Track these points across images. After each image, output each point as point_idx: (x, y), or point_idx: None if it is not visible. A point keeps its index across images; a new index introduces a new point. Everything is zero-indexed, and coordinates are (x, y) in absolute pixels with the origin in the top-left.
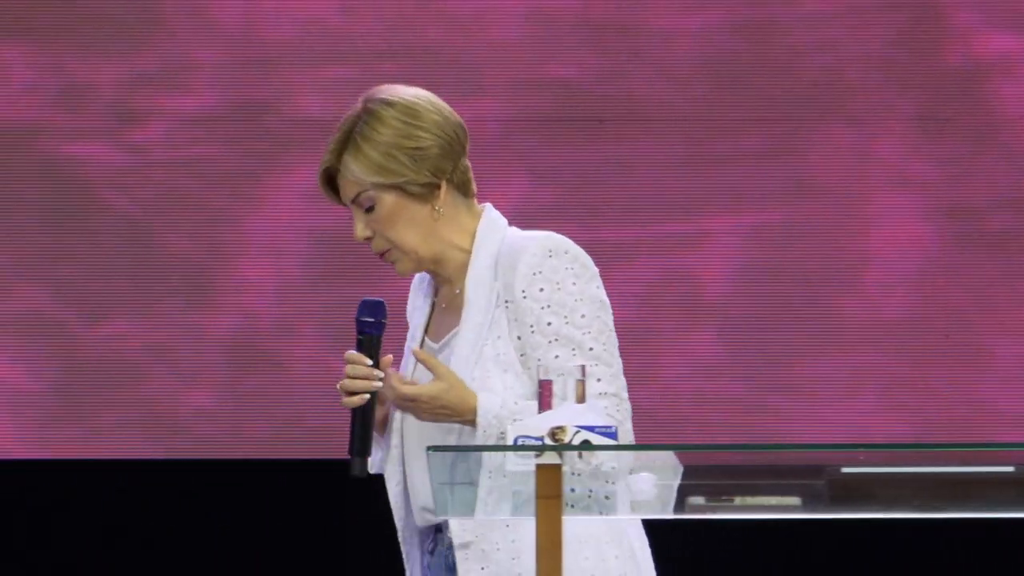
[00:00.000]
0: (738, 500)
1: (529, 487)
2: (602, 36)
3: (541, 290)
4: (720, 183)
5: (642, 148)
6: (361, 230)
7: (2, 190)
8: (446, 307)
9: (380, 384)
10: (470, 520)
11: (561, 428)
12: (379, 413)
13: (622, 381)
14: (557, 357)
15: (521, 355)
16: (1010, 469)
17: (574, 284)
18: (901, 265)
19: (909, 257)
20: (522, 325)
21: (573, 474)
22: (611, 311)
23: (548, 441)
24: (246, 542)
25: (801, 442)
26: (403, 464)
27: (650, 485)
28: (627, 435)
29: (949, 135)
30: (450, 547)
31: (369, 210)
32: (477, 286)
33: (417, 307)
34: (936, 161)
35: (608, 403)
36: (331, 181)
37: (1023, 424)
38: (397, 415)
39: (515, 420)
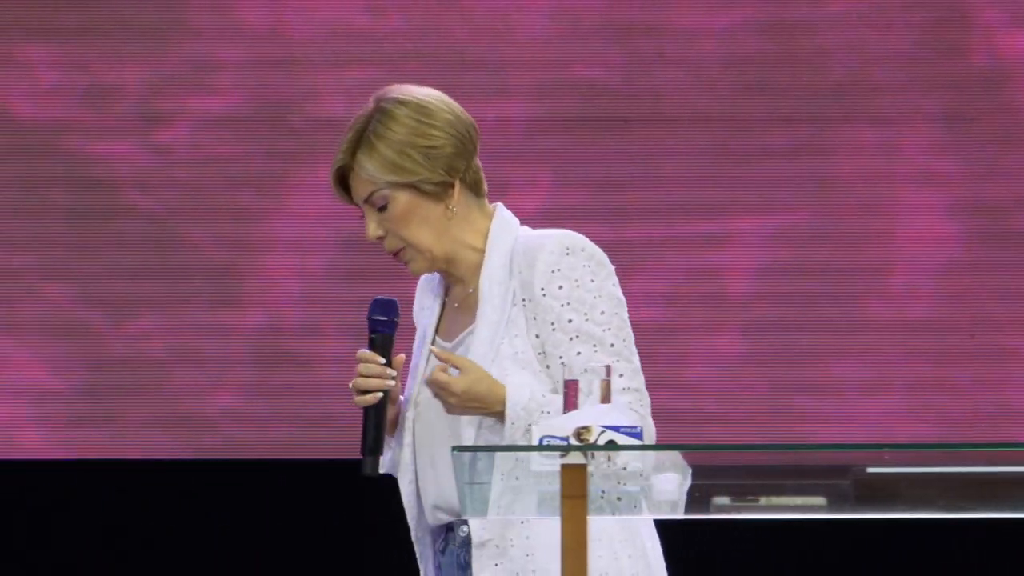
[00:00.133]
0: (763, 500)
1: (548, 486)
2: (627, 36)
3: (560, 287)
4: (745, 183)
5: (667, 148)
6: (373, 229)
7: (28, 190)
8: (459, 306)
9: (393, 383)
10: (490, 519)
11: (586, 428)
12: (390, 412)
13: (642, 376)
14: (579, 354)
15: (539, 353)
16: None
17: (592, 281)
18: (926, 265)
19: (934, 257)
20: (542, 323)
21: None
22: (626, 308)
23: (573, 441)
24: (272, 542)
25: (826, 442)
26: (415, 463)
27: (674, 485)
28: (649, 429)
29: (974, 135)
30: (462, 545)
31: (382, 209)
32: (492, 284)
33: (426, 307)
34: (961, 161)
35: (632, 398)
36: (344, 180)
37: None
38: (409, 414)
39: (543, 412)
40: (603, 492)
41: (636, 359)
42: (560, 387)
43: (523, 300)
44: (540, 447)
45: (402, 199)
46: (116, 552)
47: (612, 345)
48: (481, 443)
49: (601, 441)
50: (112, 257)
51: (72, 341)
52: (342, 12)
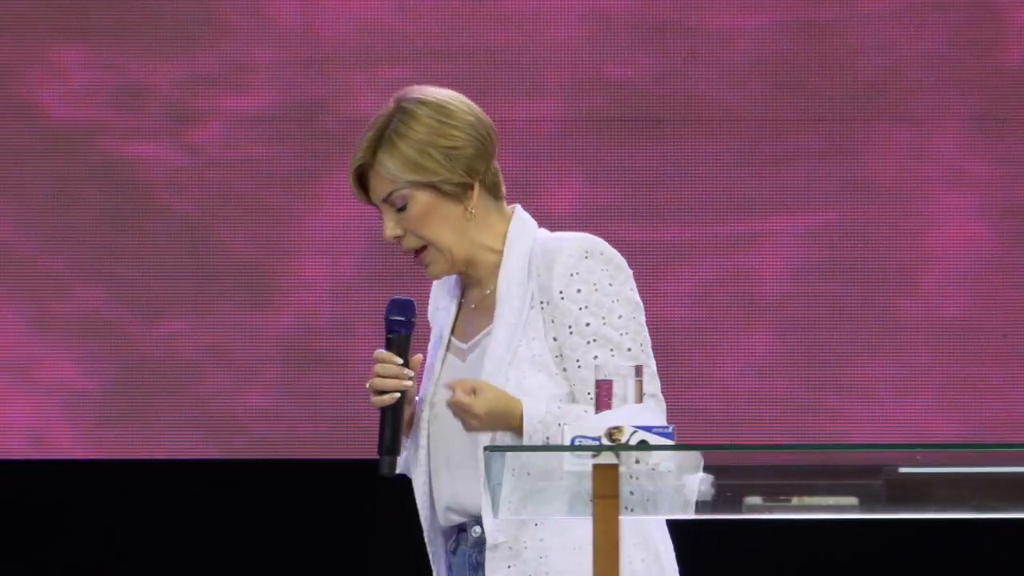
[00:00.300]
0: (795, 500)
1: (554, 485)
2: (659, 36)
3: (579, 291)
4: (777, 183)
5: (699, 148)
6: (391, 229)
7: (60, 190)
8: (476, 308)
9: (410, 383)
10: (504, 521)
11: (618, 428)
12: (406, 412)
13: (658, 381)
14: (596, 358)
15: (557, 356)
16: None
17: (610, 285)
18: (958, 265)
19: (966, 257)
20: (560, 326)
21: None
22: (644, 312)
23: (605, 441)
24: (302, 541)
25: (858, 442)
26: (429, 464)
27: (707, 485)
28: None
29: (1006, 135)
30: (474, 546)
31: (401, 209)
32: (510, 286)
33: (441, 307)
34: (993, 161)
35: (652, 403)
36: (362, 179)
37: None
38: (424, 415)
39: (560, 425)
40: (631, 492)
41: (653, 363)
42: (576, 390)
43: (541, 303)
44: (571, 447)
45: (422, 199)
46: (146, 551)
47: (629, 349)
48: (498, 444)
49: (633, 441)
50: (143, 257)
51: (104, 341)
52: (374, 12)
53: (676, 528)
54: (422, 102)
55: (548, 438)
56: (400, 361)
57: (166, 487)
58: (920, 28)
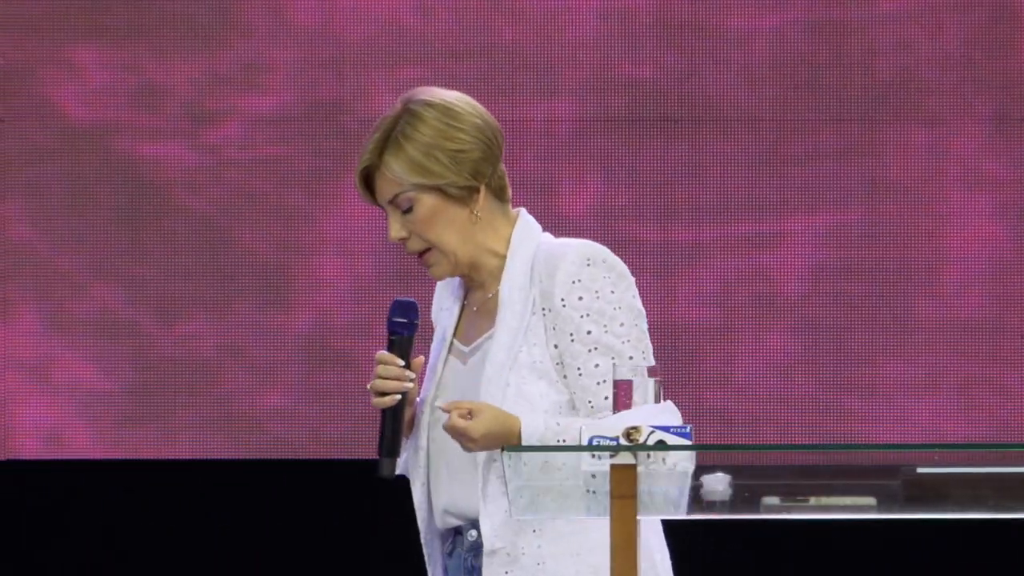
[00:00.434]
0: (813, 500)
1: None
2: (677, 36)
3: (580, 299)
4: (795, 183)
5: (717, 148)
6: (396, 230)
7: (78, 190)
8: (478, 311)
9: (411, 385)
10: (502, 527)
11: (636, 428)
12: (407, 414)
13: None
14: (597, 366)
15: (557, 363)
16: None
17: (612, 292)
18: (976, 265)
19: (984, 257)
20: (561, 333)
21: (594, 476)
22: (646, 319)
23: (623, 441)
24: (322, 540)
25: (876, 442)
26: (428, 466)
27: (724, 485)
28: None
29: None
30: (469, 550)
31: (407, 211)
32: (513, 291)
33: (445, 308)
34: (1012, 161)
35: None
36: (368, 181)
37: None
38: (424, 417)
39: (559, 440)
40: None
41: None
42: (576, 398)
43: (543, 309)
44: (589, 447)
45: (428, 201)
46: (163, 550)
47: (631, 357)
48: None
49: (651, 441)
50: (161, 257)
51: (121, 341)
52: (392, 12)
53: (689, 528)
54: (429, 104)
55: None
56: (402, 363)
57: (183, 487)
58: (939, 28)
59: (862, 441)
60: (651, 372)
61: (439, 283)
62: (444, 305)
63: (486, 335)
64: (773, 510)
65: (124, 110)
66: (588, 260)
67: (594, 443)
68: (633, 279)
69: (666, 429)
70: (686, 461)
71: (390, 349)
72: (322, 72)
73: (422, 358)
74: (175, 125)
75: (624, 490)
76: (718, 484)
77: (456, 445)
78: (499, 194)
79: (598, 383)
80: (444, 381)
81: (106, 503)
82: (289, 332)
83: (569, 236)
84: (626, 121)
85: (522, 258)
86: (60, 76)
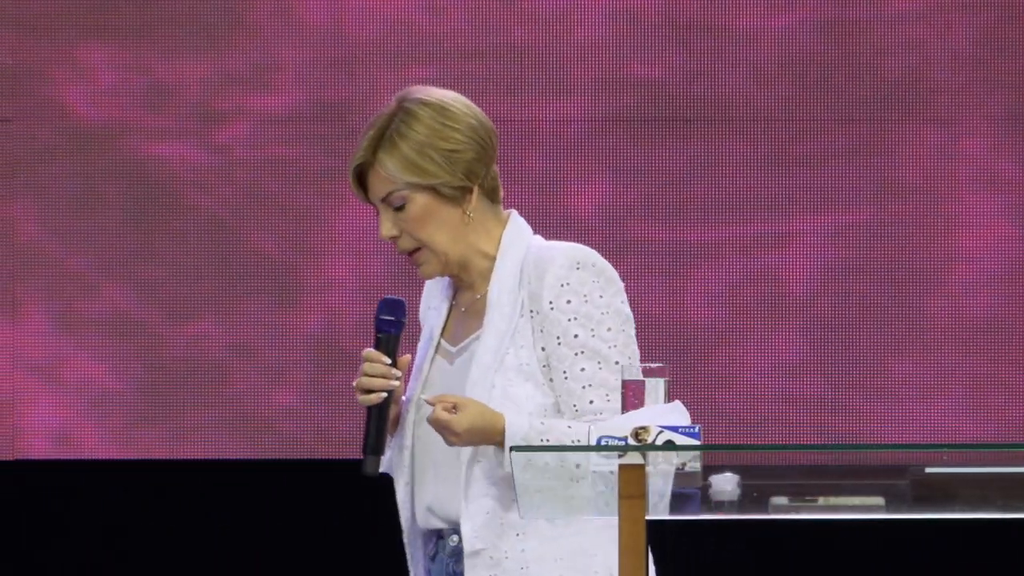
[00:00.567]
0: (822, 500)
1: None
2: (687, 35)
3: (568, 302)
4: (805, 183)
5: (726, 148)
6: (388, 229)
7: (87, 190)
8: (466, 311)
9: (397, 383)
10: (483, 528)
11: (645, 428)
12: (392, 412)
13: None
14: (583, 370)
15: (544, 366)
16: None
17: (601, 297)
18: (986, 265)
19: (994, 257)
20: (548, 336)
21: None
22: (634, 325)
23: (632, 441)
24: (332, 540)
25: (885, 442)
26: (412, 465)
27: (732, 485)
28: None
29: None
30: (452, 555)
31: (399, 209)
32: (501, 293)
33: (433, 307)
34: (1022, 161)
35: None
36: (362, 178)
37: None
38: (410, 416)
39: (543, 440)
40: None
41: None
42: (562, 401)
43: (531, 312)
44: (598, 447)
45: (420, 200)
46: (175, 550)
47: (617, 362)
48: (480, 450)
49: (659, 441)
50: (171, 257)
51: (131, 341)
52: (401, 11)
53: (693, 528)
54: (424, 103)
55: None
56: (388, 361)
57: (193, 487)
58: (948, 27)
59: (871, 441)
60: (660, 372)
61: (428, 282)
62: (432, 304)
63: (473, 336)
64: (782, 510)
65: (133, 110)
66: (577, 264)
67: (603, 443)
68: (622, 284)
69: (675, 429)
70: (694, 461)
71: (377, 347)
72: (332, 72)
73: (408, 356)
74: (184, 125)
75: (632, 490)
76: (727, 484)
77: (441, 444)
78: (491, 195)
79: (583, 387)
80: (430, 380)
81: (116, 503)
82: (299, 332)
83: (579, 236)
84: (636, 121)
85: (512, 260)
86: (69, 76)
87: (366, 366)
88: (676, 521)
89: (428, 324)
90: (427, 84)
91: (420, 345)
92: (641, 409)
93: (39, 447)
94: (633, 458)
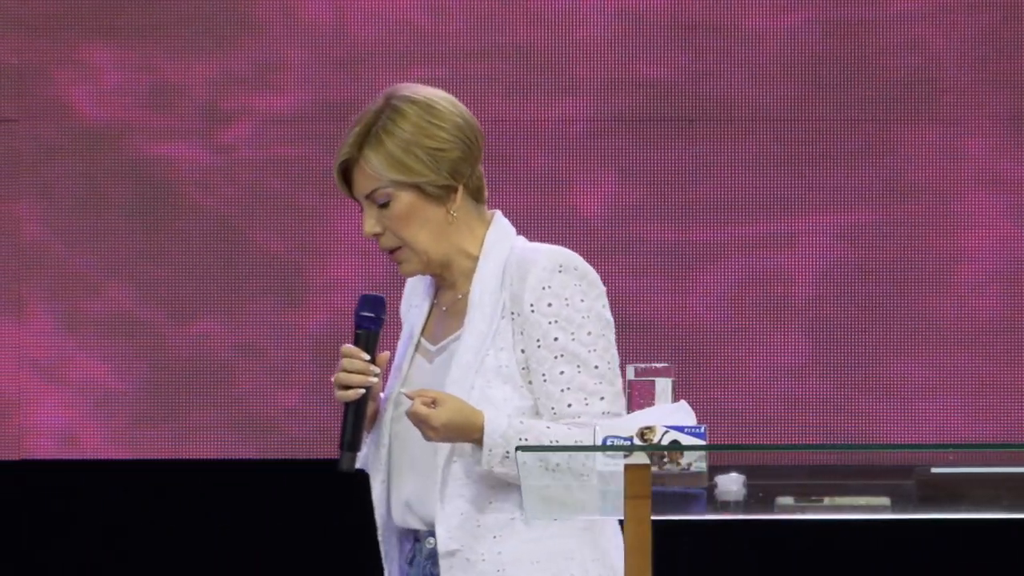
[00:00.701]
0: (827, 500)
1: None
2: (692, 35)
3: (549, 305)
4: (810, 183)
5: (731, 148)
6: (371, 226)
7: (92, 190)
8: (447, 310)
9: (376, 380)
10: (457, 529)
11: (650, 428)
12: (370, 409)
13: (623, 400)
14: (562, 373)
15: (523, 368)
16: None
17: (582, 301)
18: (991, 265)
19: (1000, 257)
20: (528, 339)
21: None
22: (614, 330)
23: (637, 441)
24: (338, 539)
25: (890, 442)
26: (388, 463)
27: (738, 485)
28: None
29: None
30: (428, 557)
31: (383, 206)
32: (483, 293)
33: (414, 305)
34: None
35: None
36: (347, 174)
37: None
38: (388, 414)
39: (521, 439)
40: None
41: (619, 383)
42: (540, 404)
43: (512, 313)
44: (603, 447)
45: (404, 199)
46: (180, 550)
47: (596, 367)
48: (457, 450)
49: (665, 441)
50: (175, 257)
51: (135, 341)
52: (405, 11)
53: (697, 528)
54: (411, 100)
55: (508, 453)
56: (367, 357)
57: (198, 487)
58: (953, 27)
59: (876, 441)
60: (665, 372)
61: (410, 280)
62: (414, 303)
63: (454, 335)
64: (787, 510)
65: (138, 110)
66: (560, 267)
67: (608, 443)
68: (604, 288)
69: (680, 429)
70: (700, 461)
71: (356, 343)
72: (336, 72)
73: (387, 353)
74: (189, 125)
75: (638, 490)
76: (732, 484)
77: (419, 442)
78: (476, 195)
79: (562, 390)
80: (409, 379)
81: (120, 503)
82: (303, 332)
83: (583, 236)
84: (640, 121)
85: (494, 261)
86: (74, 76)
87: (344, 362)
88: (682, 521)
89: (409, 322)
90: (431, 84)
91: (400, 343)
92: (647, 409)
93: (44, 447)
94: (639, 458)
